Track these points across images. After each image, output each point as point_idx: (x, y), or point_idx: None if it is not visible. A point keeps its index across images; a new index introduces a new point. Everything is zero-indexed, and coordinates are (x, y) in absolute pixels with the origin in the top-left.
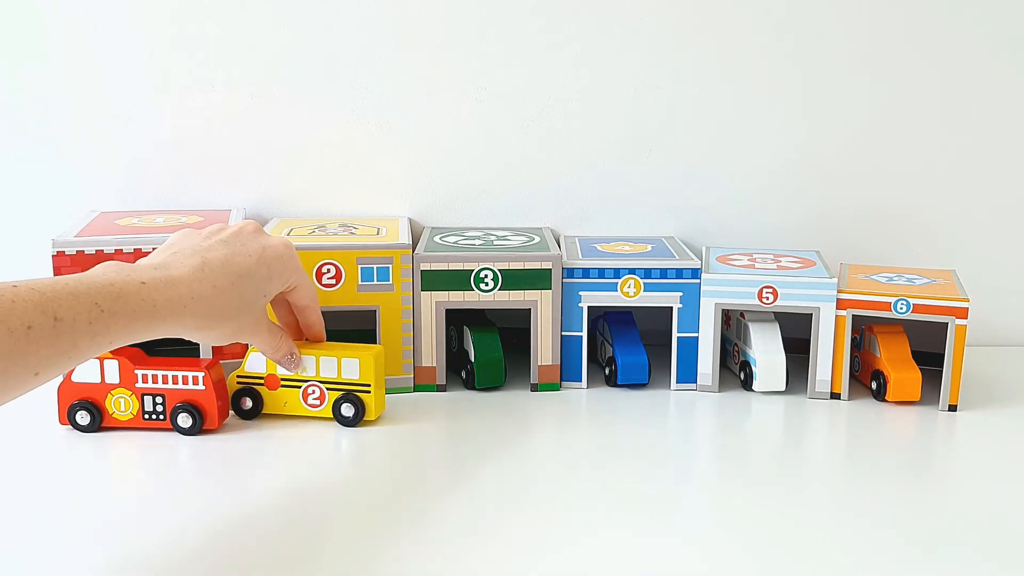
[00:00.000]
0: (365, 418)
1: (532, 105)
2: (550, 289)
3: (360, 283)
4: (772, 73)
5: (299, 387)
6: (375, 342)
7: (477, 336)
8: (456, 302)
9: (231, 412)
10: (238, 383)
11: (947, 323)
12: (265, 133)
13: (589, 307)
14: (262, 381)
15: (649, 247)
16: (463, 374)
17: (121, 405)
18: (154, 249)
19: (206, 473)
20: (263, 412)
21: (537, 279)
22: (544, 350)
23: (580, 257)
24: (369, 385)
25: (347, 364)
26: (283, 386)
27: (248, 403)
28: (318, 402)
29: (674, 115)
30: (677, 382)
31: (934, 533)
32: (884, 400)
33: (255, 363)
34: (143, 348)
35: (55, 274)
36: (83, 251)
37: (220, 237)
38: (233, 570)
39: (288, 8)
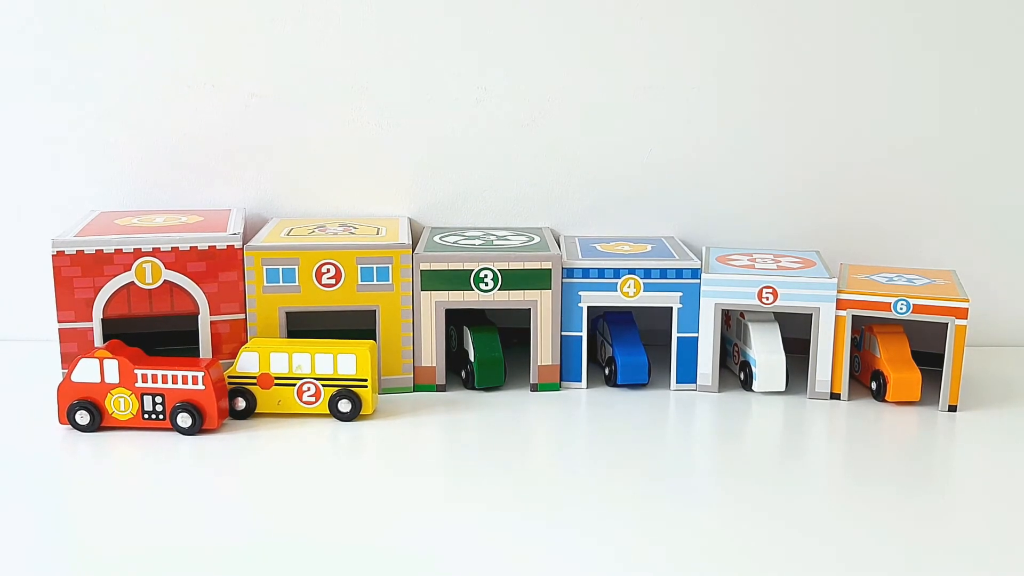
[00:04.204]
0: (362, 412)
1: (532, 105)
2: (550, 289)
3: (360, 283)
4: (773, 72)
5: (293, 385)
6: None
7: (477, 336)
8: (456, 302)
9: None
10: (230, 383)
11: (947, 323)
12: (265, 133)
13: (589, 307)
14: (255, 381)
15: (649, 247)
16: (463, 374)
17: (121, 405)
18: (154, 249)
19: (206, 473)
20: (257, 412)
21: (537, 279)
22: (544, 350)
23: (580, 257)
24: (366, 380)
25: (343, 360)
26: (277, 384)
27: (241, 403)
28: (313, 399)
29: (674, 115)
30: (677, 382)
31: (934, 534)
32: (884, 400)
33: (247, 363)
34: (143, 348)
35: (55, 275)
36: (83, 251)
37: None
38: (234, 569)
39: (288, 7)
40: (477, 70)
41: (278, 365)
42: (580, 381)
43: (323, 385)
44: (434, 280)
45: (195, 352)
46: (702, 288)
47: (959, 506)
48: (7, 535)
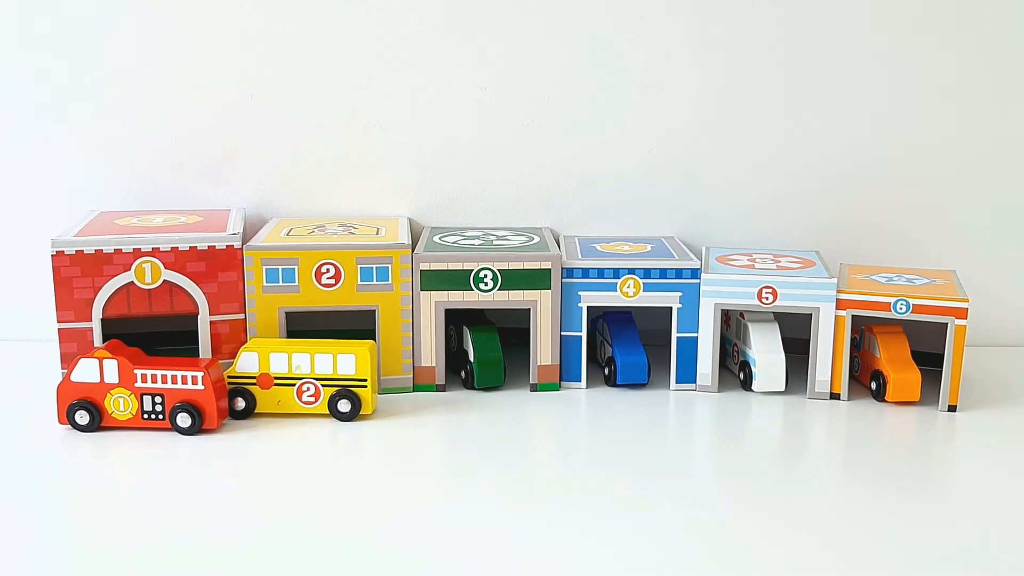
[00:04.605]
0: (362, 412)
1: (532, 105)
2: (550, 289)
3: (359, 283)
4: (773, 72)
5: (293, 385)
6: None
7: (476, 336)
8: (456, 302)
9: None
10: (229, 384)
11: (947, 323)
12: (264, 133)
13: (589, 307)
14: (254, 381)
15: (649, 247)
16: (462, 374)
17: (120, 405)
18: (154, 249)
19: (205, 473)
20: (256, 412)
21: (537, 279)
22: (543, 350)
23: (580, 257)
24: (365, 380)
25: (343, 360)
26: (276, 384)
27: (241, 403)
28: (313, 399)
29: (674, 115)
30: (676, 382)
31: (934, 534)
32: (884, 400)
33: (247, 363)
34: (142, 348)
35: (55, 275)
36: (83, 251)
37: None
38: (233, 569)
39: (288, 7)
40: (477, 70)
41: (278, 365)
42: (580, 381)
43: (323, 385)
44: (434, 280)
45: (195, 352)
46: (702, 288)
47: (959, 506)
48: (7, 535)
